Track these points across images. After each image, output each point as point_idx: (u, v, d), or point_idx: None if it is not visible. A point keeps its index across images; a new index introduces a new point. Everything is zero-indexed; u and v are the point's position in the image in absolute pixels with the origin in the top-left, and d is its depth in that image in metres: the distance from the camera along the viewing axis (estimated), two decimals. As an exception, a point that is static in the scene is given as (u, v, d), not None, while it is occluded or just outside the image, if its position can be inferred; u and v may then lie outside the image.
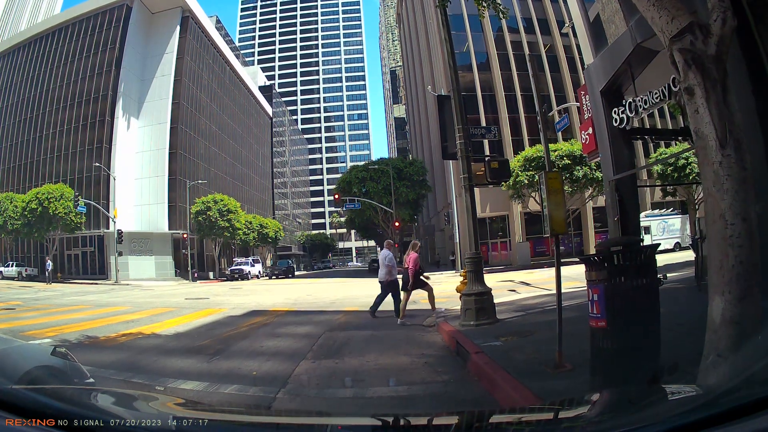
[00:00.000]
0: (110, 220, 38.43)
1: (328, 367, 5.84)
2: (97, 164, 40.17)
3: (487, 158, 7.87)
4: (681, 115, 15.14)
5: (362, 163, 47.52)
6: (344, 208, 41.89)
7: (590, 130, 13.59)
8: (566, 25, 15.53)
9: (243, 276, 40.14)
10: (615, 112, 11.17)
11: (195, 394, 4.73)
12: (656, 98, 9.67)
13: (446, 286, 19.20)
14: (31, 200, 37.05)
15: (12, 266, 40.29)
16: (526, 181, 30.21)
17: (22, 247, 46.12)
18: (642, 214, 25.67)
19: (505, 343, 6.30)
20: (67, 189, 37.87)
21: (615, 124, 11.27)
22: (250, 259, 47.39)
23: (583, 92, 14.20)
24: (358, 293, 17.87)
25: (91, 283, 34.28)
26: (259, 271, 44.77)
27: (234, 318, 11.02)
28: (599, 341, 3.90)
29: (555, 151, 30.58)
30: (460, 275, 9.55)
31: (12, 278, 37.89)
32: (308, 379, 5.32)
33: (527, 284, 15.92)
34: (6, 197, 39.00)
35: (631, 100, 10.64)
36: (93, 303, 16.08)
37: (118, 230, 35.74)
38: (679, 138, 19.58)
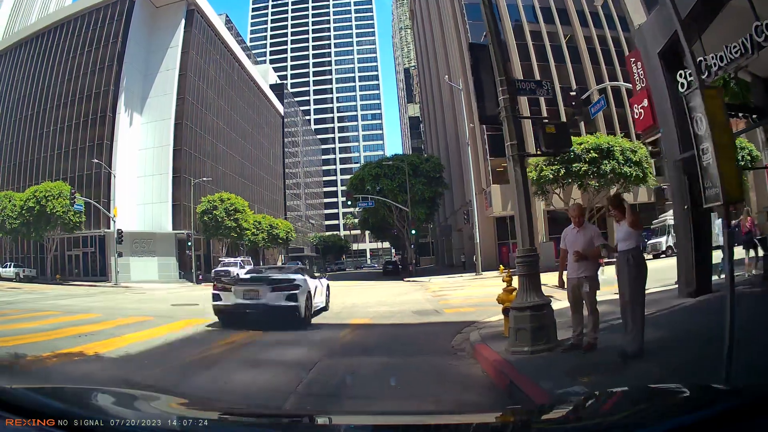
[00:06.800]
0: (111, 219, 36.70)
1: None
2: (96, 161, 38.39)
3: (544, 120, 5.61)
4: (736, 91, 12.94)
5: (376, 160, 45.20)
6: (357, 207, 39.75)
7: (645, 102, 11.38)
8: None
9: (231, 279, 36.63)
10: (680, 76, 9.12)
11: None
12: (735, 52, 7.71)
13: (470, 291, 16.94)
14: (29, 199, 35.63)
15: (10, 267, 38.78)
16: (551, 176, 27.80)
17: (22, 248, 44.62)
18: (670, 213, 23.29)
19: (592, 386, 4.05)
20: (66, 187, 36.23)
21: (681, 90, 9.16)
22: (239, 259, 38.50)
23: (633, 59, 11.98)
24: (369, 300, 15.63)
25: (89, 285, 32.57)
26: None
27: (212, 333, 8.83)
28: None
29: (581, 144, 28.21)
30: (504, 280, 7.36)
31: (9, 279, 36.39)
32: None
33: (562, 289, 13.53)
34: (5, 196, 37.51)
35: (701, 58, 8.59)
36: (65, 309, 14.08)
37: (118, 230, 34.03)
38: (738, 114, 17.30)
